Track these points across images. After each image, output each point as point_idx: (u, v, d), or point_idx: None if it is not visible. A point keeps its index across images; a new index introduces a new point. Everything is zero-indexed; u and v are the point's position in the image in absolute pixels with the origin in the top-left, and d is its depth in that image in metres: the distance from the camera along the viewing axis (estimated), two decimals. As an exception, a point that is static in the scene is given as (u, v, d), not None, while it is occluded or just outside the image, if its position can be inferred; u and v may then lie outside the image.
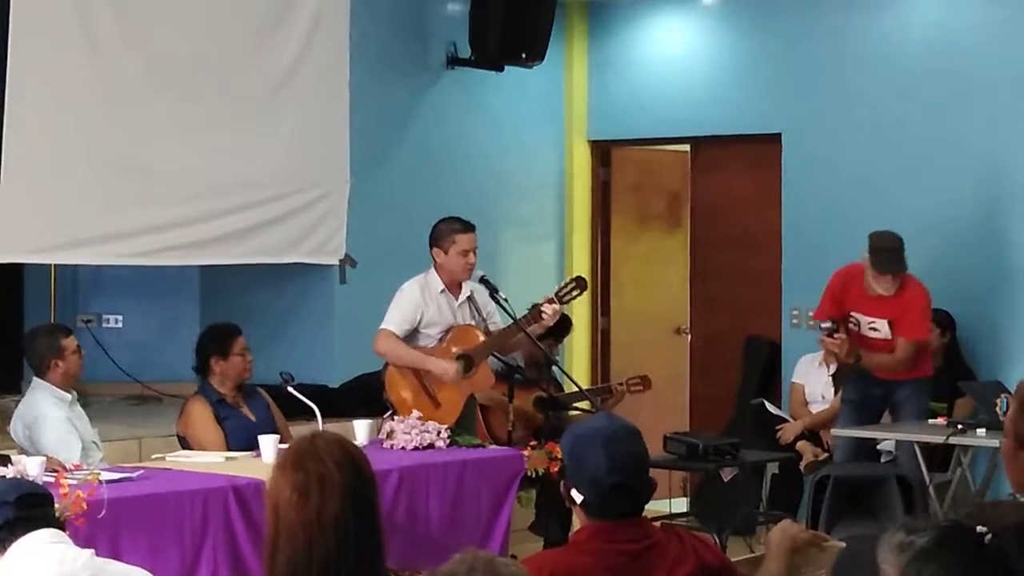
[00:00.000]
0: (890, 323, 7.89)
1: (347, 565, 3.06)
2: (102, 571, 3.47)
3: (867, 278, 7.87)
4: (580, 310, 9.95)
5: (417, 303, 7.10)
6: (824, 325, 7.94)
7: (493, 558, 2.41)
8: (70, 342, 6.63)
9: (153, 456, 6.40)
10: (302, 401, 6.40)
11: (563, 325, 8.42)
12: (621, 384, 8.59)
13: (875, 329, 7.92)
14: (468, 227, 7.18)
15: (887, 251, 7.81)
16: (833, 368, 8.69)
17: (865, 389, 8.07)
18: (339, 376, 8.63)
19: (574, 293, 7.28)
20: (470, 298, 7.22)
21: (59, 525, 3.58)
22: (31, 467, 5.19)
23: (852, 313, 7.96)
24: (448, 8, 9.50)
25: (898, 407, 8.05)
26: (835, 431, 8.62)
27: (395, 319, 7.08)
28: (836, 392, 8.78)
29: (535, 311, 7.05)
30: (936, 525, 2.04)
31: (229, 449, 6.49)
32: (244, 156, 8.32)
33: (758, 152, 9.70)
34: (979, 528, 2.03)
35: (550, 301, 7.09)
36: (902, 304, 7.87)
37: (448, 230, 7.15)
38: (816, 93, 9.34)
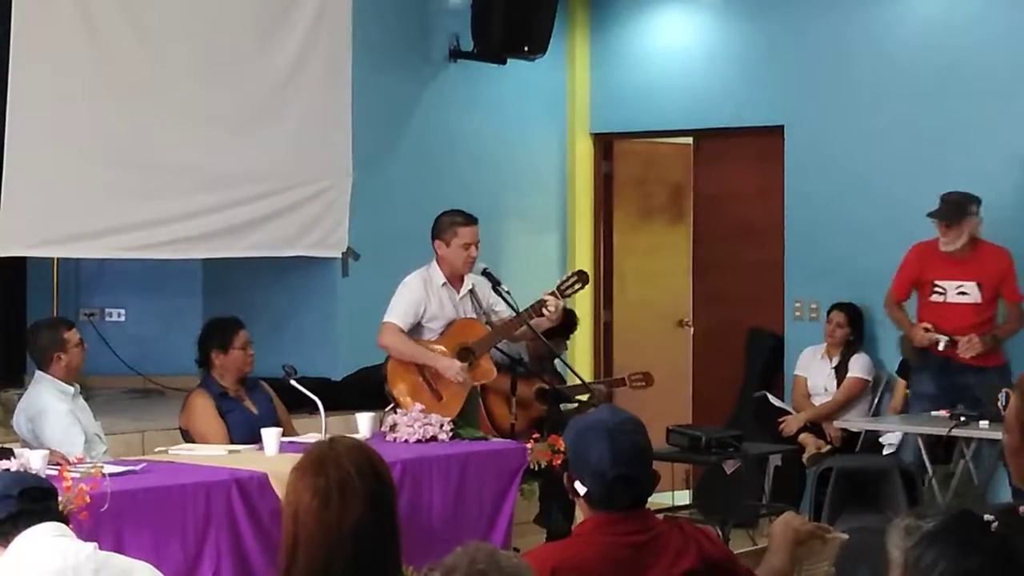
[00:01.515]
0: (978, 285, 7.87)
1: (366, 572, 3.04)
2: (105, 565, 3.47)
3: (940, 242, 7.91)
4: (583, 303, 9.96)
5: (420, 297, 7.10)
6: (940, 348, 7.85)
7: (495, 551, 2.41)
8: (73, 335, 6.64)
9: (156, 449, 6.39)
10: (304, 394, 6.39)
11: (569, 322, 8.44)
12: (622, 378, 8.63)
13: (964, 293, 7.88)
14: (470, 220, 7.18)
15: (944, 202, 7.84)
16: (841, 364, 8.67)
17: (949, 379, 7.94)
18: (342, 369, 8.64)
19: (576, 287, 7.29)
20: (472, 291, 7.22)
21: (62, 518, 3.58)
22: (34, 460, 5.19)
23: (937, 283, 7.92)
24: (451, 1, 9.49)
25: (986, 396, 7.98)
26: (838, 423, 8.64)
27: (399, 312, 7.08)
28: (838, 382, 8.80)
29: (537, 305, 7.05)
30: (944, 511, 2.06)
31: (232, 442, 6.48)
32: (247, 149, 8.32)
33: (760, 145, 9.69)
34: (986, 516, 2.03)
35: (552, 295, 7.10)
36: (987, 266, 7.86)
37: (450, 222, 7.15)
38: (819, 86, 9.34)
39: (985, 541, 2.02)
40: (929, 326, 7.89)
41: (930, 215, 7.89)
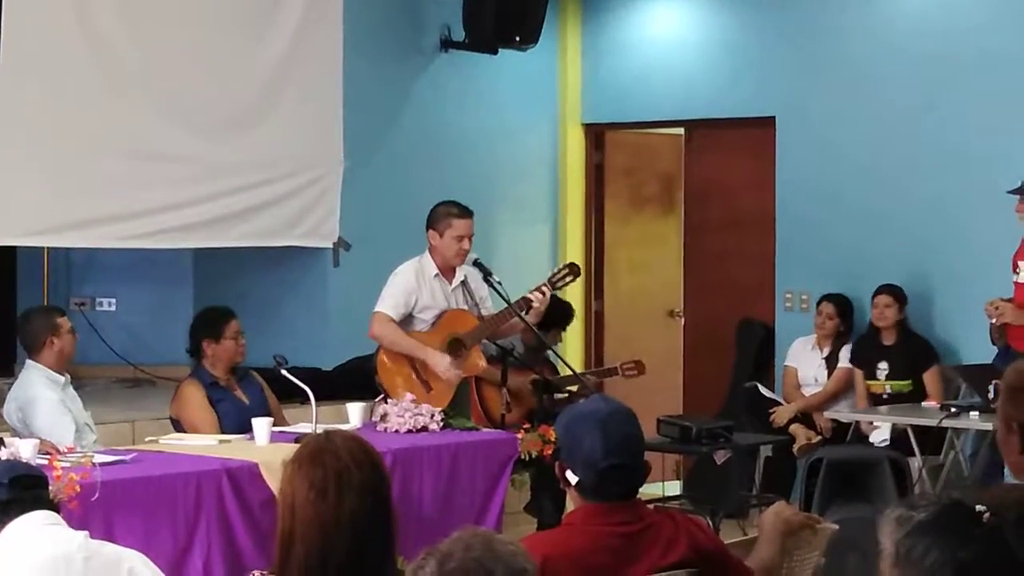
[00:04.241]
0: None
1: (363, 563, 3.05)
2: (96, 553, 3.47)
3: None
4: (574, 293, 9.95)
5: (411, 287, 7.09)
6: (993, 321, 7.78)
7: (491, 535, 2.40)
8: (65, 322, 6.66)
9: (146, 439, 6.39)
10: (295, 384, 6.38)
11: (565, 314, 8.44)
12: (614, 367, 8.63)
13: None
14: (466, 212, 7.16)
15: None
16: None
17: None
18: (332, 359, 8.63)
19: (567, 279, 7.29)
20: (464, 283, 7.22)
21: (53, 507, 3.58)
22: (24, 450, 5.19)
23: (1019, 262, 7.84)
24: (442, -9, 9.49)
25: None
26: (828, 414, 8.66)
27: (390, 303, 7.07)
28: (828, 373, 8.80)
29: (523, 300, 7.04)
30: (936, 501, 2.05)
31: (222, 432, 6.48)
32: (238, 139, 8.31)
33: (752, 135, 9.70)
34: (978, 507, 2.03)
35: (542, 288, 7.09)
36: None
37: (445, 213, 7.14)
38: (810, 76, 9.34)
39: (977, 531, 2.02)
40: (992, 300, 7.84)
41: (1010, 192, 7.85)
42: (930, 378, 8.36)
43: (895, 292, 8.55)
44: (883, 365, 8.54)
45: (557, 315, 7.93)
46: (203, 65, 8.15)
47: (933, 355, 8.51)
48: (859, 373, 8.66)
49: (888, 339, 8.56)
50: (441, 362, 7.00)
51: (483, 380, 7.74)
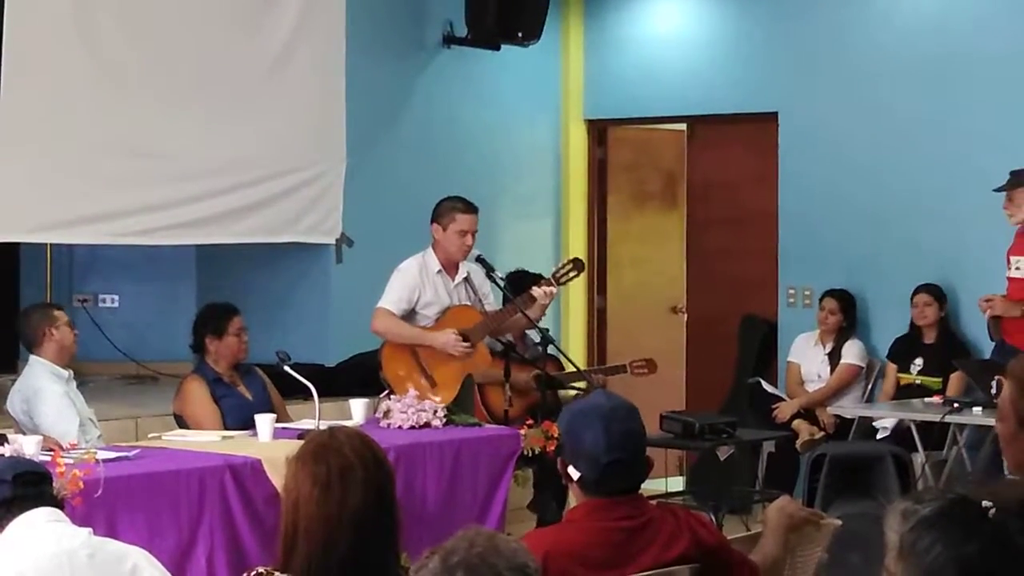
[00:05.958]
0: None
1: (366, 560, 3.05)
2: (99, 550, 3.48)
3: None
4: (576, 289, 9.96)
5: (415, 283, 7.08)
6: (987, 315, 7.81)
7: (494, 535, 2.42)
8: (62, 315, 6.68)
9: (150, 435, 6.39)
10: (299, 380, 6.39)
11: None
12: (623, 365, 8.61)
13: (1020, 268, 7.81)
14: (470, 208, 7.15)
15: (1011, 173, 7.75)
16: None
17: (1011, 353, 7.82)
18: (336, 355, 8.63)
19: (571, 275, 7.27)
20: (467, 279, 7.21)
21: (57, 504, 3.58)
22: (27, 446, 5.19)
23: (1010, 258, 7.82)
24: (444, -14, 9.49)
25: None
26: (831, 409, 8.66)
27: (392, 298, 7.06)
28: (831, 368, 8.79)
29: (527, 296, 7.03)
30: (941, 496, 2.06)
31: (226, 428, 6.48)
32: (240, 135, 8.31)
33: (755, 131, 9.69)
34: (984, 502, 2.03)
35: (547, 283, 7.08)
36: None
37: (450, 207, 7.13)
38: (813, 72, 9.33)
39: (981, 526, 2.02)
40: (986, 296, 7.84)
41: (996, 189, 7.85)
42: (955, 377, 8.32)
43: (933, 291, 8.53)
44: (919, 361, 8.54)
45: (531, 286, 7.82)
46: (204, 60, 8.15)
47: (966, 357, 8.47)
48: (892, 367, 8.67)
49: (928, 338, 8.55)
50: (448, 339, 6.94)
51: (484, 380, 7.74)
